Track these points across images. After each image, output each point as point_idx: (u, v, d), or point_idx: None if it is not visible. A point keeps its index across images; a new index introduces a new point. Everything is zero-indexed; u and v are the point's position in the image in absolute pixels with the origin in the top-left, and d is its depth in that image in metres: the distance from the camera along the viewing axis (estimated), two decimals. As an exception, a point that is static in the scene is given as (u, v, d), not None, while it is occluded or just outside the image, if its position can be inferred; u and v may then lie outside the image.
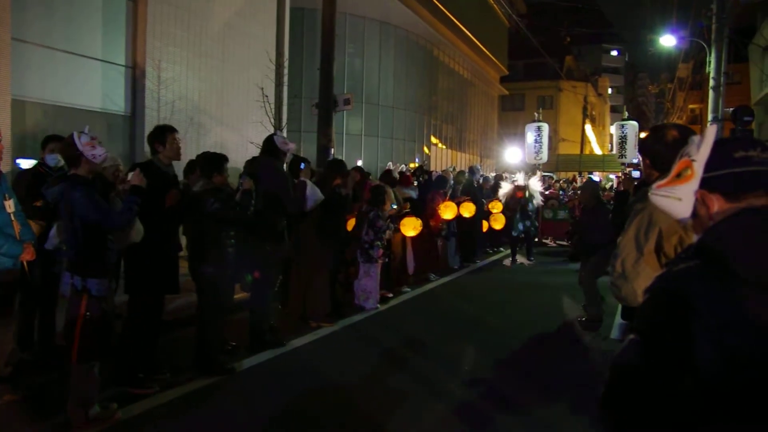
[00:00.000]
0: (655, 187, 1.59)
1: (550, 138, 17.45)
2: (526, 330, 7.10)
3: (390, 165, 10.30)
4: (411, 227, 8.45)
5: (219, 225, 5.14)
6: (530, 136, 16.70)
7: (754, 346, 1.25)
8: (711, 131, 1.47)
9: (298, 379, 5.20)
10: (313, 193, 6.56)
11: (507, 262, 12.42)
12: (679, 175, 1.51)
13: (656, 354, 1.34)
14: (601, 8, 65.96)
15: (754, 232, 1.34)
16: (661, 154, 2.72)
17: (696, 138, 1.51)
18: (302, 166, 6.81)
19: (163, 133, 4.98)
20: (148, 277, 4.82)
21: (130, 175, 4.49)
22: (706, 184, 1.44)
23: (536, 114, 17.76)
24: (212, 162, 5.28)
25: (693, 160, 1.46)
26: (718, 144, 1.44)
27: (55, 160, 5.13)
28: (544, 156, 16.63)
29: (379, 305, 7.77)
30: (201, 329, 5.25)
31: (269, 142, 6.33)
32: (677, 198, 1.50)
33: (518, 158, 20.64)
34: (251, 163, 6.48)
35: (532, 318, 7.74)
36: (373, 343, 6.41)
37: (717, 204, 1.43)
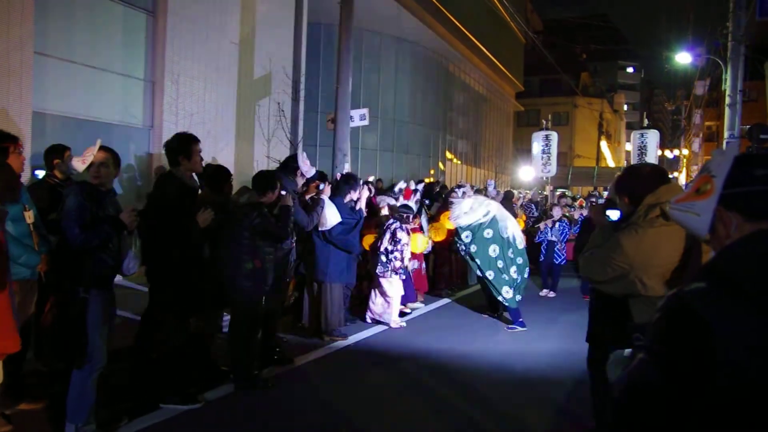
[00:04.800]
0: (673, 201, 1.57)
1: (564, 153, 16.85)
2: (529, 348, 7.06)
3: (402, 184, 10.16)
4: (416, 244, 8.23)
5: (259, 238, 5.10)
6: (537, 146, 15.41)
7: (765, 367, 1.23)
8: (732, 147, 1.45)
9: (308, 396, 5.20)
10: (330, 212, 6.47)
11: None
12: (698, 191, 1.47)
13: (673, 373, 1.31)
14: (617, 25, 66.05)
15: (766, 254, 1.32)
16: (638, 189, 3.04)
17: (717, 152, 1.48)
18: (321, 186, 6.76)
19: (189, 145, 4.70)
20: (176, 295, 4.60)
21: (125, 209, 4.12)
22: (724, 201, 1.40)
23: (544, 122, 16.86)
24: (268, 180, 5.40)
25: (713, 176, 1.43)
26: (738, 160, 1.40)
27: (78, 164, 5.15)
28: (553, 168, 15.54)
29: (402, 322, 7.73)
30: (233, 342, 5.23)
31: (293, 159, 6.32)
32: (695, 213, 1.47)
33: (532, 176, 20.08)
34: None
35: (533, 335, 7.68)
36: (384, 359, 6.37)
37: (735, 222, 1.39)
